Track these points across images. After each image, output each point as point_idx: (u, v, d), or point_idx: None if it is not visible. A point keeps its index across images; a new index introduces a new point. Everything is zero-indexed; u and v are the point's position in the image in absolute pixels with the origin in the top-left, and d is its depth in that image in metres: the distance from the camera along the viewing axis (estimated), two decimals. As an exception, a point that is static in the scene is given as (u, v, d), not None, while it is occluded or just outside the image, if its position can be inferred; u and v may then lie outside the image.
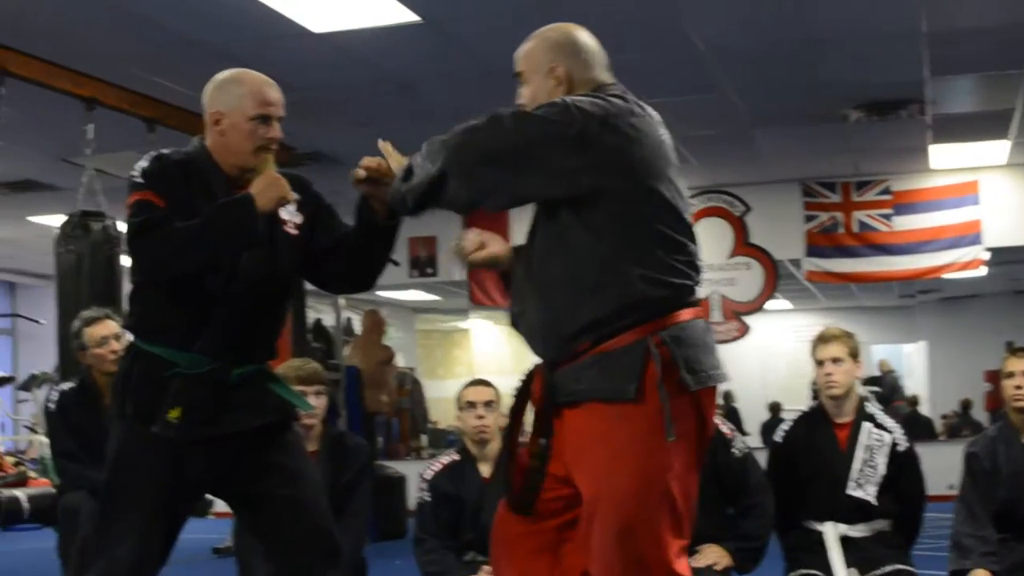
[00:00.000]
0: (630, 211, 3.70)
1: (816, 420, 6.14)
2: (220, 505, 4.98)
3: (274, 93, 4.32)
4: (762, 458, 6.17)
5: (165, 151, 4.31)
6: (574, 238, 3.70)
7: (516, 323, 3.98)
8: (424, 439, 19.49)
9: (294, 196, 4.24)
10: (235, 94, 4.28)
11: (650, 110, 3.94)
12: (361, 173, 4.11)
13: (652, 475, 3.64)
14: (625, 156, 3.71)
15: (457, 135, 3.67)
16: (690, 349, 3.68)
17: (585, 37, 4.14)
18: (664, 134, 3.90)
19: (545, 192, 3.71)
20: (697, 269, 3.83)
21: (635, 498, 3.63)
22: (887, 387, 24.03)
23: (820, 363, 6.01)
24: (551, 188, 3.68)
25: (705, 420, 3.76)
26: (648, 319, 3.66)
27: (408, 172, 3.77)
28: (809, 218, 14.86)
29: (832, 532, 5.96)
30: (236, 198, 4.13)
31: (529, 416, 3.98)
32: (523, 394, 4.03)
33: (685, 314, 3.72)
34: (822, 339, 6.07)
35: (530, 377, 4.00)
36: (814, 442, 6.08)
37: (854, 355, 6.03)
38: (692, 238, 3.83)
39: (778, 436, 6.29)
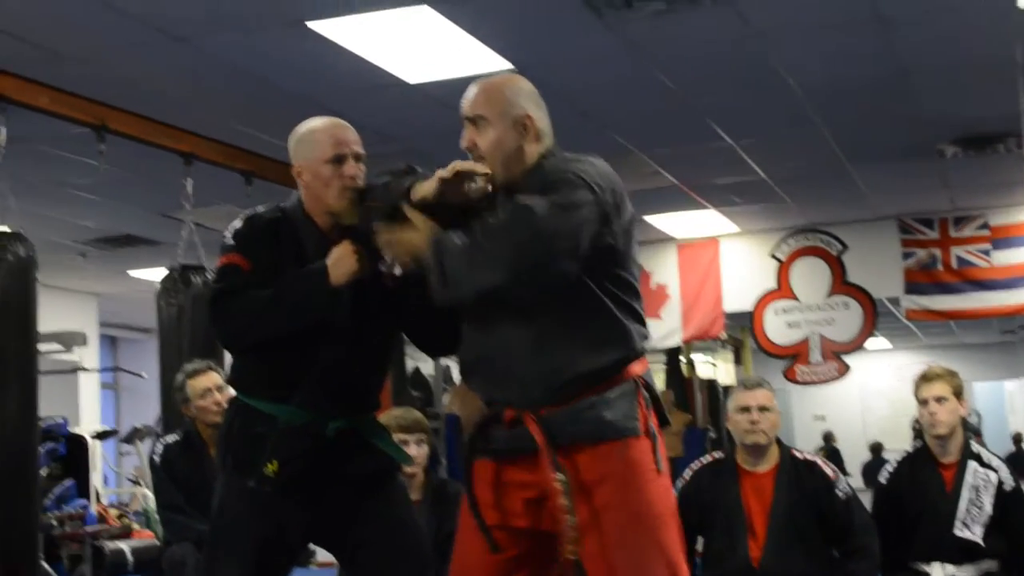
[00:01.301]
0: (623, 268, 3.89)
1: (921, 460, 6.08)
2: (323, 555, 5.00)
3: (346, 132, 4.33)
4: (864, 499, 6.12)
5: (260, 209, 4.34)
6: (575, 294, 3.77)
7: (472, 370, 4.02)
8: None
9: (367, 269, 4.18)
10: (309, 142, 4.31)
11: None
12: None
13: (662, 498, 3.92)
14: (626, 220, 3.93)
15: (506, 244, 3.65)
16: (655, 391, 3.97)
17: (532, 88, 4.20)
18: None
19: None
20: None
21: (655, 517, 3.86)
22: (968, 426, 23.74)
23: (924, 402, 5.96)
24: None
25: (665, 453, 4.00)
26: (629, 362, 3.86)
27: (444, 278, 3.73)
28: (907, 255, 14.69)
29: (939, 573, 5.90)
30: (309, 270, 4.15)
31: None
32: (475, 443, 4.07)
33: (646, 360, 3.97)
34: (925, 378, 6.02)
35: (487, 425, 4.01)
36: (919, 482, 6.02)
37: (958, 393, 5.97)
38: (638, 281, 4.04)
39: (883, 477, 6.24)
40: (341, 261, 4.12)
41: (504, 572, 3.95)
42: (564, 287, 3.73)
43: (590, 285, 3.77)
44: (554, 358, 3.79)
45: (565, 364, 3.79)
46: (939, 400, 5.93)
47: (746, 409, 5.94)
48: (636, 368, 3.87)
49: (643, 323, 3.94)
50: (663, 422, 3.97)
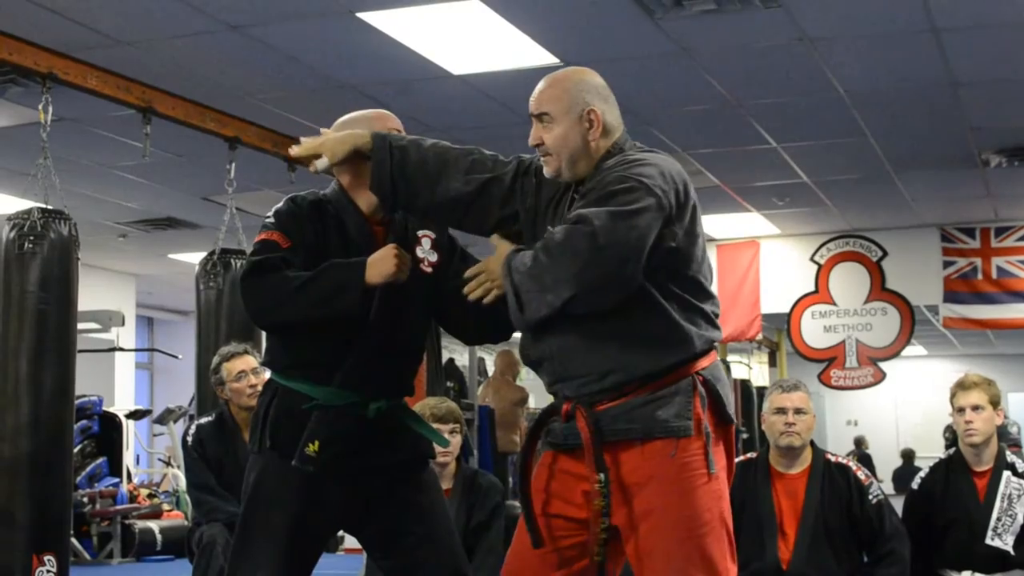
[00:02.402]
0: (687, 267, 3.80)
1: (954, 468, 6.06)
2: (351, 541, 5.00)
3: (391, 123, 4.34)
4: (895, 505, 6.10)
5: (302, 193, 4.35)
6: (633, 296, 3.71)
7: (537, 366, 3.98)
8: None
9: (405, 273, 4.14)
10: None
11: None
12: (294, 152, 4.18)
13: (710, 503, 3.75)
14: (688, 221, 3.79)
15: (569, 261, 3.61)
16: (724, 387, 3.84)
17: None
18: None
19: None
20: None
21: (701, 524, 3.72)
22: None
23: (960, 410, 5.94)
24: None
25: (732, 453, 3.91)
26: (687, 364, 3.77)
27: (519, 302, 3.72)
28: (947, 264, 14.67)
29: (970, 581, 5.89)
30: (349, 262, 4.13)
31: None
32: (536, 433, 4.07)
33: (714, 354, 3.88)
34: (962, 386, 5.99)
35: (547, 415, 4.02)
36: (952, 490, 6.00)
37: (994, 403, 5.95)
38: (711, 281, 3.95)
39: (915, 483, 6.22)
40: (382, 262, 4.09)
41: (563, 562, 3.93)
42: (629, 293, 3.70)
43: (648, 287, 3.71)
44: (610, 359, 3.76)
45: (620, 365, 3.75)
46: (975, 408, 5.91)
47: (782, 411, 5.93)
48: (697, 364, 3.80)
49: (712, 323, 3.87)
50: (724, 421, 3.83)
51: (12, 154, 10.79)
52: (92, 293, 13.27)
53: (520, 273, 3.68)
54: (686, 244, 3.77)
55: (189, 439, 7.13)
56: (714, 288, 3.91)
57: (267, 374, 4.51)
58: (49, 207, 7.68)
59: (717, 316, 3.90)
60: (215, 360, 7.12)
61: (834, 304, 15.00)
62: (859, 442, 24.42)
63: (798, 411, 5.90)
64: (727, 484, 3.83)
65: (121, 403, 17.17)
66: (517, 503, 10.06)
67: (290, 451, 4.10)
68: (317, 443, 4.13)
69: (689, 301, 3.79)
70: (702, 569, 3.72)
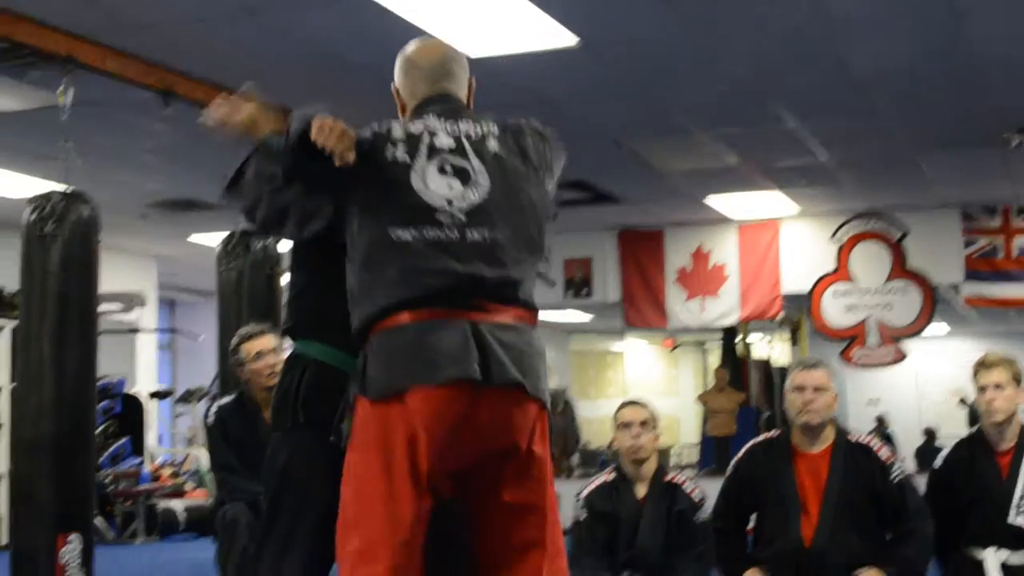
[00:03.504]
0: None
1: (977, 446, 6.05)
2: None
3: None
4: (918, 484, 6.10)
5: None
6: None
7: None
8: (575, 459, 19.51)
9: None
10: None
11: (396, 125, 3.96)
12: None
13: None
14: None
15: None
16: (386, 354, 3.77)
17: (420, 51, 4.18)
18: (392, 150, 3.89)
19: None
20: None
21: None
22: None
23: (982, 389, 5.93)
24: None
25: (389, 426, 3.73)
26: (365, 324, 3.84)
27: None
28: (968, 243, 14.64)
29: (993, 559, 5.88)
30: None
31: None
32: None
33: (397, 317, 3.76)
34: (984, 364, 5.99)
35: None
36: (975, 469, 6.00)
37: (1017, 381, 5.95)
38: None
39: (937, 462, 6.22)
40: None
41: None
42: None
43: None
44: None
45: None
46: (997, 387, 5.90)
47: (801, 388, 5.93)
48: (374, 329, 3.83)
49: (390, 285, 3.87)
50: (370, 394, 3.79)
51: (33, 137, 10.81)
52: (113, 275, 13.33)
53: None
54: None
55: (210, 419, 7.16)
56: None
57: (286, 354, 4.49)
58: (70, 190, 7.71)
59: (412, 275, 3.76)
60: (234, 341, 7.14)
61: (855, 283, 14.99)
62: (881, 420, 24.38)
63: (817, 389, 5.90)
64: (375, 459, 3.73)
65: (143, 384, 17.25)
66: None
67: (325, 428, 4.05)
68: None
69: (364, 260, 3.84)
70: None
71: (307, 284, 4.34)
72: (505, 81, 9.44)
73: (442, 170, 3.82)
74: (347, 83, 9.20)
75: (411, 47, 4.18)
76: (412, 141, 3.86)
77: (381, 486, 3.69)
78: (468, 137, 3.90)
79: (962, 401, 22.36)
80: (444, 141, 3.87)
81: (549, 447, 3.88)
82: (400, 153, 3.83)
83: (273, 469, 4.29)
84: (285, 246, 5.32)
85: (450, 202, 3.78)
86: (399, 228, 3.75)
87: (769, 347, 20.32)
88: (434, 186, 3.79)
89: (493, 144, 3.91)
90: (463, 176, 3.82)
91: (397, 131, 3.89)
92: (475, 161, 3.85)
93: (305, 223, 4.01)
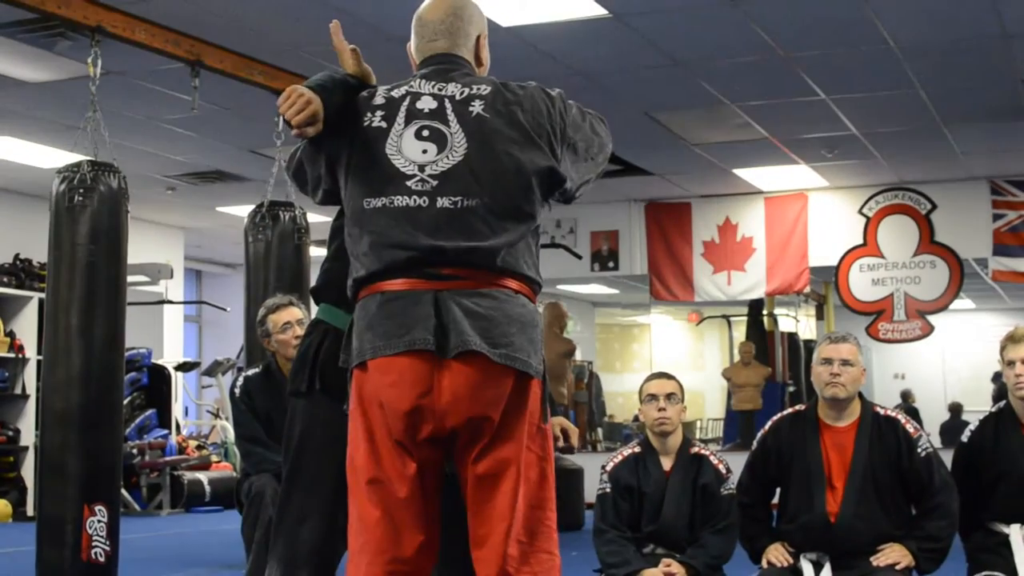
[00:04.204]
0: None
1: (1004, 421, 6.02)
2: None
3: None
4: (943, 459, 6.08)
5: None
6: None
7: None
8: (600, 432, 19.50)
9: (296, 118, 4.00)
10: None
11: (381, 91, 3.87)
12: None
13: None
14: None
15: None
16: (358, 325, 3.75)
17: (426, 8, 4.04)
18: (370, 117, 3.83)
19: None
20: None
21: None
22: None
23: (1010, 363, 5.90)
24: None
25: (361, 395, 3.72)
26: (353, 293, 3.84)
27: None
28: (997, 216, 14.58)
29: (1018, 535, 5.85)
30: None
31: None
32: None
33: (370, 288, 3.74)
34: (1013, 339, 5.95)
35: None
36: (1002, 444, 5.97)
37: (1046, 356, 5.91)
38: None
39: (964, 436, 6.19)
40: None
41: None
42: None
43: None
44: None
45: None
46: (1025, 362, 5.88)
47: (829, 361, 5.91)
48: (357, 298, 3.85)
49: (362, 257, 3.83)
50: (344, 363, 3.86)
51: (61, 108, 10.84)
52: (141, 246, 13.37)
53: None
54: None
55: (237, 391, 7.19)
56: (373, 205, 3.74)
57: (311, 320, 4.50)
58: (98, 160, 7.72)
59: (379, 247, 3.71)
60: (260, 312, 7.16)
61: (882, 257, 14.95)
62: (906, 395, 24.28)
63: (845, 362, 5.88)
64: (359, 425, 3.73)
65: (170, 356, 17.30)
66: (562, 455, 10.02)
67: (341, 395, 4.03)
68: None
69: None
70: None
71: (337, 250, 4.33)
72: (534, 50, 9.44)
73: (419, 135, 3.71)
74: (378, 52, 9.16)
75: (423, 3, 4.06)
76: (392, 106, 3.78)
77: (365, 450, 3.68)
78: (452, 99, 3.76)
79: (996, 377, 22.30)
80: (426, 104, 3.76)
81: (541, 416, 3.73)
82: (378, 120, 3.77)
83: (291, 437, 4.31)
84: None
85: (423, 168, 3.67)
86: (372, 197, 3.71)
87: (795, 321, 20.24)
88: (408, 152, 3.70)
89: (477, 106, 3.74)
90: (440, 141, 3.70)
91: (379, 97, 3.82)
92: (454, 124, 3.72)
93: (315, 191, 4.00)
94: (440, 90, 3.78)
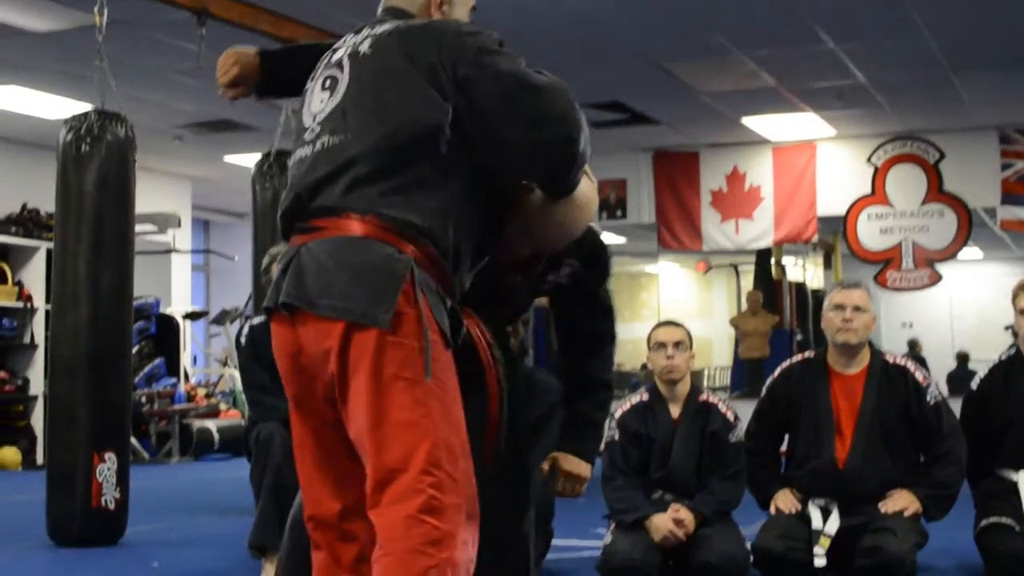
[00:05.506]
0: None
1: (1014, 368, 6.04)
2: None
3: None
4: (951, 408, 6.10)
5: None
6: None
7: None
8: (609, 380, 19.53)
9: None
10: None
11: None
12: None
13: None
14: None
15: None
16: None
17: None
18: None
19: None
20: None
21: None
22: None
23: (1022, 312, 5.90)
24: None
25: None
26: None
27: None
28: (1005, 166, 14.54)
29: (1027, 481, 5.88)
30: None
31: None
32: None
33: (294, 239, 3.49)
34: (1025, 288, 5.97)
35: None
36: (1012, 391, 5.98)
37: (1058, 304, 5.91)
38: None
39: (974, 383, 6.20)
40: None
41: None
42: None
43: None
44: None
45: None
46: (1038, 310, 5.89)
47: (840, 307, 5.92)
48: None
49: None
50: None
51: (68, 58, 10.82)
52: (148, 196, 13.34)
53: None
54: None
55: (243, 339, 7.18)
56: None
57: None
58: (106, 109, 7.71)
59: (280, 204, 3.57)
60: (265, 260, 7.15)
61: (891, 206, 14.92)
62: (913, 344, 24.34)
63: (856, 308, 5.89)
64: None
65: (178, 304, 17.33)
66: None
67: None
68: None
69: None
70: None
71: None
72: (543, 1, 9.40)
73: (323, 85, 3.54)
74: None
75: None
76: (320, 64, 3.63)
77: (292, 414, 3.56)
78: (355, 44, 3.54)
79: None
80: (338, 55, 3.56)
81: (388, 371, 3.20)
82: (311, 79, 3.63)
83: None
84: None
85: (315, 117, 3.49)
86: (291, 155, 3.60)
87: (802, 270, 20.26)
88: (313, 104, 3.53)
89: (366, 46, 3.49)
90: (333, 87, 3.50)
91: (323, 57, 3.67)
92: (346, 68, 3.50)
93: None
94: (357, 39, 3.57)
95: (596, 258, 4.10)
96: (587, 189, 3.64)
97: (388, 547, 3.09)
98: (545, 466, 4.08)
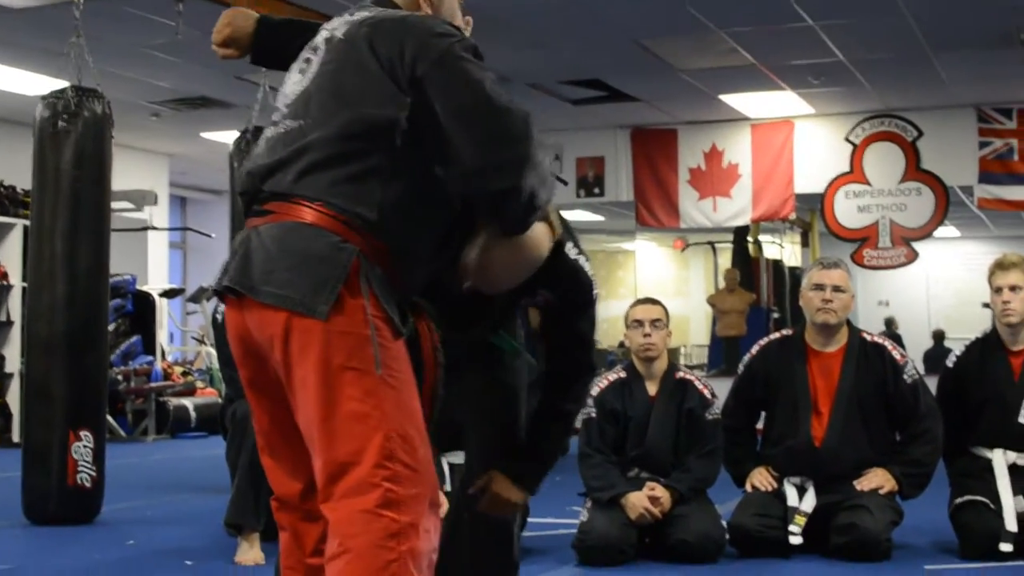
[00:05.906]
0: None
1: (990, 347, 6.05)
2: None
3: None
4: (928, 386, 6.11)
5: None
6: None
7: None
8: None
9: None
10: None
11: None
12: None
13: None
14: None
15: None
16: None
17: None
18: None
19: None
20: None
21: None
22: None
23: (998, 290, 5.93)
24: None
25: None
26: None
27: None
28: (983, 144, 14.56)
29: (1001, 460, 5.90)
30: None
31: None
32: None
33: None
34: (1001, 266, 5.98)
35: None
36: (987, 369, 6.00)
37: (1033, 283, 5.93)
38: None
39: (950, 361, 6.22)
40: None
41: None
42: None
43: None
44: None
45: None
46: (1013, 288, 5.90)
47: (820, 287, 5.94)
48: None
49: None
50: None
51: (45, 34, 10.77)
52: (125, 173, 13.32)
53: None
54: None
55: (219, 316, 7.16)
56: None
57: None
58: (83, 86, 7.68)
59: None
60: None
61: (868, 184, 14.94)
62: (889, 322, 24.39)
63: (836, 288, 5.91)
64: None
65: (155, 282, 17.28)
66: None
67: None
68: None
69: None
70: None
71: None
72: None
73: (300, 68, 3.48)
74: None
75: None
76: (302, 49, 3.58)
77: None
78: (332, 30, 3.48)
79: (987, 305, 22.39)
80: (318, 39, 3.50)
81: (335, 361, 3.11)
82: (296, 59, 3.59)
83: None
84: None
85: (286, 98, 3.44)
86: None
87: (780, 248, 20.29)
88: (287, 86, 3.48)
89: (339, 31, 3.44)
90: (305, 71, 3.45)
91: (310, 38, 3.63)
92: (320, 53, 3.44)
93: None
94: (334, 25, 3.51)
95: (573, 288, 3.93)
96: (538, 236, 3.53)
97: (346, 543, 3.03)
98: (480, 483, 3.90)
